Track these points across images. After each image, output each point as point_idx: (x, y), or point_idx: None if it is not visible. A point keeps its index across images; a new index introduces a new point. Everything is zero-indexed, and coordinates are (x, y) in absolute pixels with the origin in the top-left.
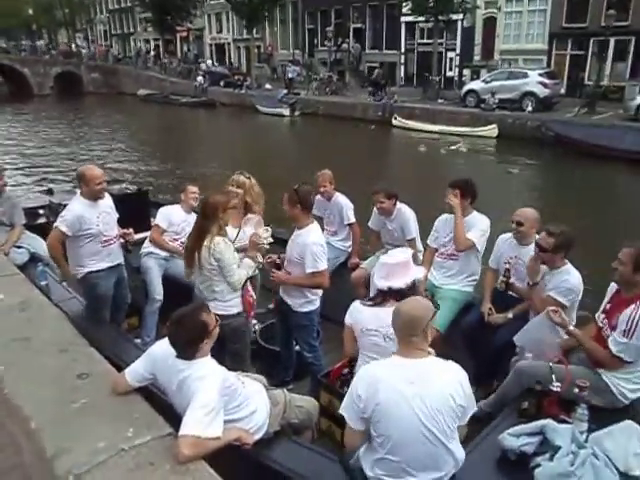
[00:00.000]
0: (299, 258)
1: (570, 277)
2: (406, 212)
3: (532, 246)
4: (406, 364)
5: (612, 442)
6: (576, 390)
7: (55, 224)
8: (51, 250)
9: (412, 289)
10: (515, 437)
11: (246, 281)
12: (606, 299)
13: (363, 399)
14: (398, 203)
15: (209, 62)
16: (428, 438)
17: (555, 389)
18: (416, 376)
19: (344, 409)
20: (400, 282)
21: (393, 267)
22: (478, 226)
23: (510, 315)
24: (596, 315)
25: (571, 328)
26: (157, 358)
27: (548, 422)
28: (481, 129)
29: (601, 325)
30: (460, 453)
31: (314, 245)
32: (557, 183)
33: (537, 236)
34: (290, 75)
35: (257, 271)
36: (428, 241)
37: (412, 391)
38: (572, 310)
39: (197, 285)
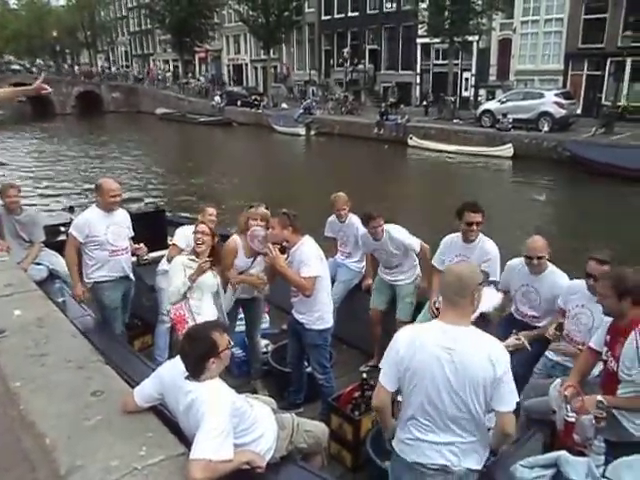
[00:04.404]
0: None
1: None
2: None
3: (542, 275)
4: (447, 330)
5: (632, 474)
6: (593, 421)
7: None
8: (66, 258)
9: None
10: (528, 469)
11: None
12: (605, 330)
13: (401, 356)
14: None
15: (202, 78)
16: (456, 403)
17: (570, 419)
18: (455, 343)
19: (384, 362)
20: None
21: None
22: (494, 258)
23: (524, 341)
24: (598, 347)
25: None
26: (165, 378)
27: (562, 454)
28: (496, 149)
29: (605, 358)
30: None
31: (303, 254)
32: (574, 204)
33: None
34: (308, 102)
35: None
36: (434, 262)
37: (448, 357)
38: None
39: None
